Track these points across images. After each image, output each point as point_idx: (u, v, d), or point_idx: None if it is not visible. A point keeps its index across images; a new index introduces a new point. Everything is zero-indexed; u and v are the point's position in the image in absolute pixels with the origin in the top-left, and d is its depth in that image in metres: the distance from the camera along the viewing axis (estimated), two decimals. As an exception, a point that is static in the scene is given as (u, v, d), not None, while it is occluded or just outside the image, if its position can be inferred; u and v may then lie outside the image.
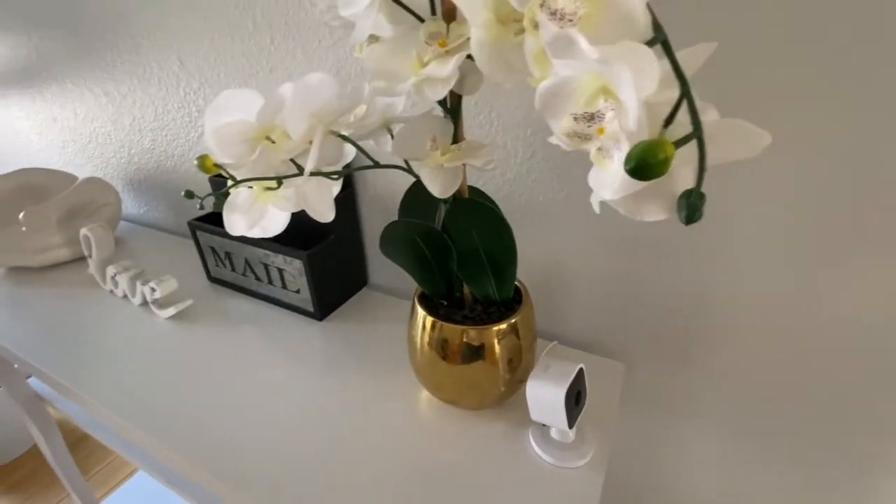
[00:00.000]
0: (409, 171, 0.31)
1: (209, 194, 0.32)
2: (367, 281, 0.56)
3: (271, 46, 0.48)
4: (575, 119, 0.18)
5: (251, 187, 0.31)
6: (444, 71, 0.23)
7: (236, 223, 0.31)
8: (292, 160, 0.29)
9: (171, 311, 0.49)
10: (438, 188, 0.28)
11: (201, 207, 0.32)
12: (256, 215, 0.32)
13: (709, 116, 0.16)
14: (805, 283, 0.34)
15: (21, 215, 0.58)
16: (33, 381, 0.72)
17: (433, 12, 0.26)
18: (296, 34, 0.46)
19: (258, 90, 0.28)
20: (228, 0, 0.48)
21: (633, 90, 0.14)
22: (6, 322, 0.52)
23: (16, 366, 0.67)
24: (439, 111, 0.29)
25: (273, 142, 0.29)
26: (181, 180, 0.66)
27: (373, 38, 0.37)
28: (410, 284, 0.52)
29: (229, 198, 0.31)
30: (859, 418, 0.37)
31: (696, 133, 0.16)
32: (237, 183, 0.30)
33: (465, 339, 0.34)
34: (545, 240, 0.42)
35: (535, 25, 0.18)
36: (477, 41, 0.21)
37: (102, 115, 0.69)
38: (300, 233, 0.43)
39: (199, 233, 0.54)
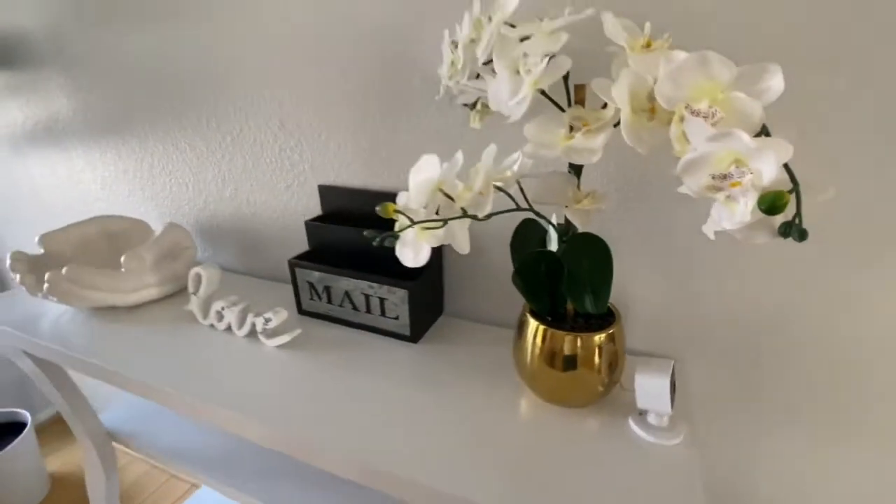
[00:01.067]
0: (536, 213, 0.41)
1: (386, 234, 0.40)
2: (444, 309, 0.64)
3: (377, 115, 0.58)
4: (712, 178, 0.28)
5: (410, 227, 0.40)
6: (596, 143, 0.33)
7: (406, 255, 0.40)
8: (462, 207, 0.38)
9: (284, 338, 0.55)
10: (579, 223, 0.37)
11: (379, 244, 0.40)
12: (416, 249, 0.40)
13: (828, 195, 0.27)
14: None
15: (123, 258, 0.64)
16: (105, 417, 0.74)
17: (569, 103, 0.37)
18: (400, 105, 0.56)
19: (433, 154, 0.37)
20: (340, 71, 0.58)
21: (774, 165, 0.24)
22: (114, 349, 0.56)
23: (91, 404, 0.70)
24: (564, 169, 0.39)
25: (446, 193, 0.38)
26: (261, 225, 0.73)
27: (484, 111, 0.47)
28: (482, 311, 0.61)
29: (401, 236, 0.39)
30: None
31: (796, 188, 0.27)
32: (411, 225, 0.38)
33: (577, 346, 0.42)
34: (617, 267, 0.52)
35: (681, 119, 0.29)
36: (625, 123, 0.32)
37: (183, 168, 0.76)
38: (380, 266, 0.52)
39: (298, 270, 0.61)
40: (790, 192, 0.26)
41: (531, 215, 0.42)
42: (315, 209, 0.68)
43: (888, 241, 0.41)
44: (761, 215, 0.27)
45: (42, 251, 0.69)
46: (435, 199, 0.38)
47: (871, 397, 0.47)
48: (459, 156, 0.38)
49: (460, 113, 0.53)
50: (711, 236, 0.32)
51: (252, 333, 0.58)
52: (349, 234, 0.60)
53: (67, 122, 0.84)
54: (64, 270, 0.60)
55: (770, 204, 0.26)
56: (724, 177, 0.28)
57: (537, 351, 0.45)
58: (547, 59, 0.33)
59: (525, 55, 0.34)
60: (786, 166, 0.27)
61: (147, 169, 0.80)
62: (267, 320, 0.55)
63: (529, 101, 0.35)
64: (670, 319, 0.52)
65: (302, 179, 0.66)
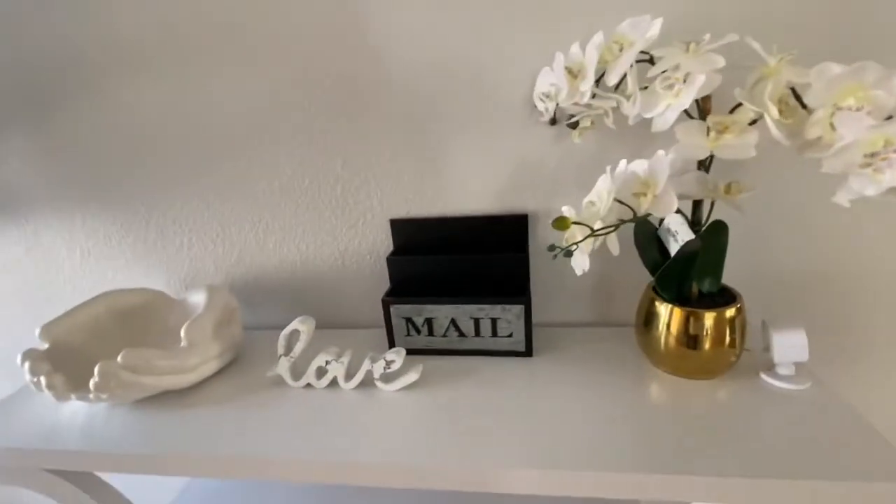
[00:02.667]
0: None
1: (562, 249, 0.42)
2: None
3: (447, 143, 0.59)
4: (866, 157, 0.36)
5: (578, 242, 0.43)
6: (750, 139, 0.40)
7: (581, 263, 0.42)
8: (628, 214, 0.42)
9: (411, 376, 0.53)
10: (736, 209, 0.43)
11: (559, 255, 0.42)
12: (583, 258, 0.43)
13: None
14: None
15: (183, 330, 0.55)
16: None
17: (702, 116, 0.43)
18: (468, 131, 0.58)
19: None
20: (410, 104, 0.58)
21: (936, 140, 0.33)
22: (200, 436, 0.48)
23: None
24: (694, 167, 0.46)
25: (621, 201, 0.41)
26: (314, 272, 0.68)
27: (582, 129, 0.53)
28: (567, 315, 0.64)
29: (579, 247, 0.42)
30: None
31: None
32: (593, 234, 0.41)
33: (715, 322, 0.48)
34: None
35: (834, 111, 0.37)
36: (775, 122, 0.39)
37: (210, 223, 0.68)
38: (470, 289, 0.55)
39: (392, 307, 0.59)
40: (928, 159, 0.35)
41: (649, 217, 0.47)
42: (380, 246, 0.66)
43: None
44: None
45: (46, 345, 0.57)
46: (612, 208, 0.41)
47: None
48: (623, 165, 0.42)
49: (533, 139, 0.57)
50: (846, 204, 0.40)
51: (363, 383, 0.54)
52: (439, 263, 0.60)
53: (22, 191, 0.70)
54: (120, 358, 0.50)
55: (925, 170, 0.34)
56: (874, 154, 0.36)
57: (673, 334, 0.50)
58: (703, 76, 0.39)
59: (685, 75, 0.39)
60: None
61: (155, 231, 0.70)
62: (389, 362, 0.52)
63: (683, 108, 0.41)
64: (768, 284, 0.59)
65: (369, 217, 0.64)
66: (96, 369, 0.50)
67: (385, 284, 0.67)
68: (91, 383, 0.50)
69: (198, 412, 0.54)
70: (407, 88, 0.57)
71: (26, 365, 0.52)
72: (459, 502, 0.66)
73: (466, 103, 0.57)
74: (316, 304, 0.70)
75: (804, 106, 0.40)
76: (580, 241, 0.42)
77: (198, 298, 0.64)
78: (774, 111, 0.39)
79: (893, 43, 0.49)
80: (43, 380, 0.51)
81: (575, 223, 0.42)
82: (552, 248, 0.42)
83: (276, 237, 0.68)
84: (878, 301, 0.59)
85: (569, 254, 0.42)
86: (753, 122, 0.41)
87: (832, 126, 0.37)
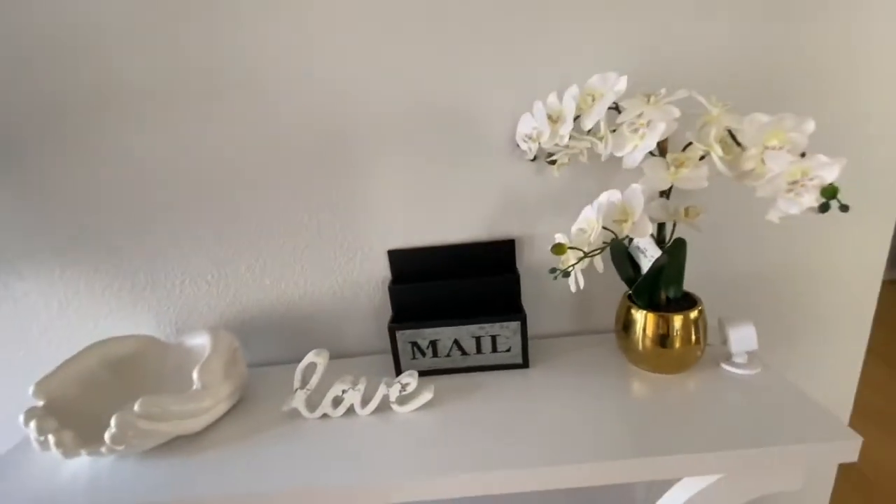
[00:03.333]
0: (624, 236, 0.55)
1: (561, 271, 0.49)
2: (519, 336, 0.72)
3: (430, 180, 0.65)
4: (789, 185, 0.46)
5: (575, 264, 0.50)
6: (702, 173, 0.49)
7: (574, 282, 0.49)
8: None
9: (426, 396, 0.57)
10: (695, 229, 0.52)
11: (558, 277, 0.49)
12: (577, 277, 0.50)
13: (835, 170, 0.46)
14: (781, 249, 0.69)
15: (196, 374, 0.55)
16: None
17: (662, 154, 0.52)
18: (461, 167, 0.65)
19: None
20: (407, 141, 0.64)
21: (836, 172, 0.43)
22: (222, 481, 0.49)
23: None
24: (657, 196, 0.55)
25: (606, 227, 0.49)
26: (313, 306, 0.71)
27: (560, 165, 0.60)
28: (552, 329, 0.71)
29: (574, 268, 0.49)
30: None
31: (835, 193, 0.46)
32: (586, 256, 0.48)
33: (683, 324, 0.57)
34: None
35: (763, 151, 0.47)
36: (719, 158, 0.48)
37: (204, 264, 0.69)
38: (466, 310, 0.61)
39: (398, 332, 0.63)
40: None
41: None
42: (378, 276, 0.70)
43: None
44: (814, 200, 0.46)
45: (42, 402, 0.55)
46: (599, 232, 0.49)
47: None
48: (607, 195, 0.50)
49: (516, 173, 0.65)
50: (777, 221, 0.50)
51: (378, 408, 0.57)
52: (438, 288, 0.65)
53: (-6, 243, 0.67)
54: (137, 406, 0.50)
55: (831, 193, 0.45)
56: (795, 182, 0.47)
57: (649, 336, 0.58)
58: (663, 123, 0.48)
59: (648, 122, 0.48)
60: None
61: (143, 276, 0.69)
62: (404, 385, 0.56)
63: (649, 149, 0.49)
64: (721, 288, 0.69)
65: (367, 249, 0.68)
66: (113, 421, 0.49)
67: (384, 312, 0.71)
68: (107, 435, 0.50)
69: (211, 454, 0.54)
70: (400, 131, 0.63)
71: (32, 424, 0.50)
72: None
73: (455, 143, 0.63)
74: (317, 337, 0.72)
75: (739, 145, 0.50)
76: (576, 264, 0.49)
77: (199, 341, 0.64)
78: (719, 149, 0.48)
79: (805, 95, 0.61)
80: (51, 438, 0.50)
81: (570, 248, 0.49)
82: (553, 270, 0.49)
83: (274, 275, 0.69)
84: (807, 296, 0.72)
85: (566, 274, 0.49)
86: (702, 158, 0.50)
87: (763, 161, 0.47)
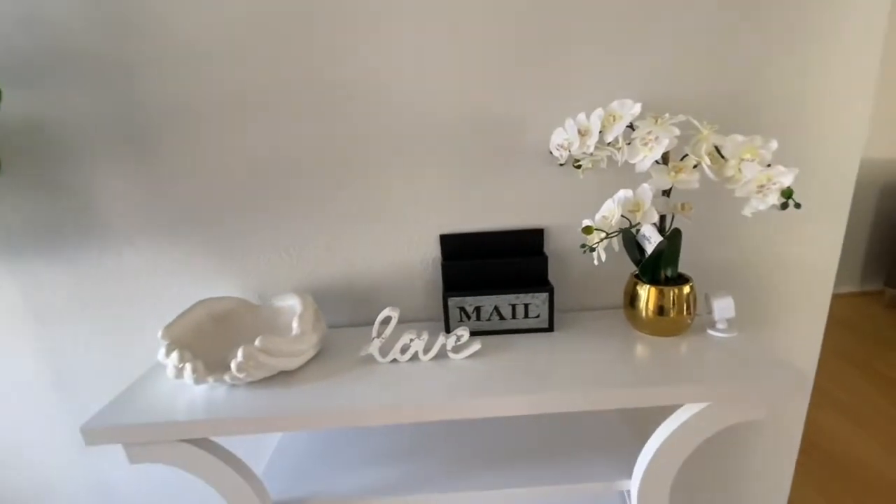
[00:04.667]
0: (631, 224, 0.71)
1: (589, 246, 0.64)
2: (543, 309, 0.87)
3: (476, 177, 0.81)
4: (758, 188, 0.63)
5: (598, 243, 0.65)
6: (695, 177, 0.65)
7: (597, 257, 0.65)
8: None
9: (475, 346, 0.72)
10: (688, 219, 0.68)
11: (586, 251, 0.64)
12: (600, 253, 0.66)
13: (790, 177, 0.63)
14: (756, 245, 0.86)
15: (295, 322, 0.70)
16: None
17: (664, 162, 0.68)
18: (503, 166, 0.80)
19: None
20: (461, 144, 0.80)
21: (790, 179, 0.60)
22: (312, 402, 0.64)
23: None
24: (660, 194, 0.71)
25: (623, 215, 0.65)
26: (376, 279, 0.86)
27: (585, 169, 0.76)
28: (571, 304, 0.87)
29: (598, 246, 0.64)
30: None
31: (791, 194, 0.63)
32: (608, 236, 0.64)
33: (679, 296, 0.72)
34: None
35: (740, 162, 0.63)
36: (707, 167, 0.65)
37: (288, 240, 0.84)
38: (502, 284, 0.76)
39: (450, 299, 0.78)
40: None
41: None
42: (430, 255, 0.85)
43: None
44: (776, 200, 0.63)
45: (167, 342, 0.69)
46: (618, 219, 0.64)
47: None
48: (623, 192, 0.66)
49: (545, 174, 0.81)
50: (749, 215, 0.66)
51: (436, 356, 0.72)
52: (482, 265, 0.80)
53: (117, 214, 0.81)
54: (258, 341, 0.65)
55: (788, 194, 0.61)
56: (762, 186, 0.63)
57: (650, 307, 0.74)
58: (666, 139, 0.64)
59: (655, 137, 0.64)
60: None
61: (239, 250, 0.84)
62: (458, 337, 0.71)
63: (655, 158, 0.65)
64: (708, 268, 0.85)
65: (422, 234, 0.83)
66: (240, 351, 0.64)
67: (433, 286, 0.86)
68: (233, 364, 0.64)
69: (306, 386, 0.68)
70: (454, 137, 0.79)
71: (174, 354, 0.64)
72: (523, 424, 0.84)
73: (499, 149, 0.80)
74: (377, 306, 0.86)
75: (723, 157, 0.66)
76: (599, 242, 0.64)
77: (288, 302, 0.78)
78: (707, 160, 0.65)
79: (775, 120, 0.78)
80: (188, 366, 0.64)
81: (596, 230, 0.64)
82: (583, 246, 0.65)
83: (346, 252, 0.84)
84: (775, 277, 0.88)
85: (592, 249, 0.65)
86: (695, 166, 0.67)
87: (740, 170, 0.64)
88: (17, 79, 0.74)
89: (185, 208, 0.81)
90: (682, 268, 0.76)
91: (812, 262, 0.87)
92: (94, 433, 0.62)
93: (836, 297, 2.57)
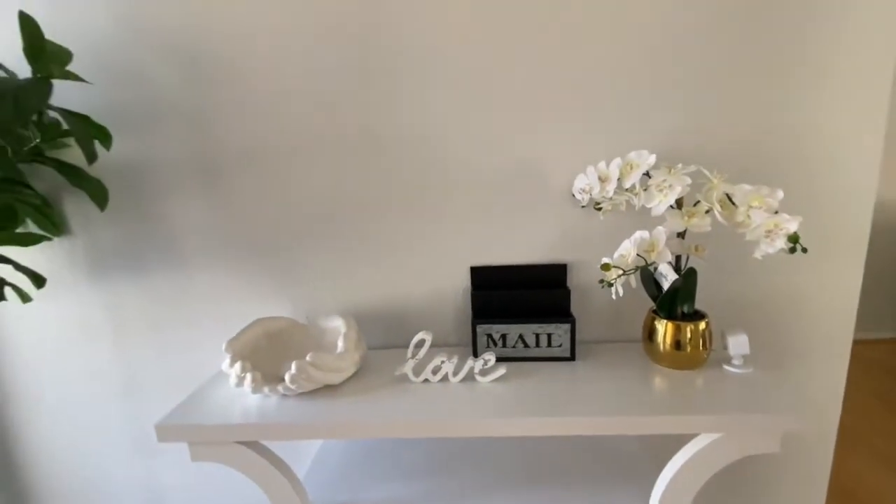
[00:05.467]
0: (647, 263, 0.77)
1: (607, 281, 0.71)
2: (565, 340, 0.93)
3: (505, 216, 0.89)
4: (766, 233, 0.68)
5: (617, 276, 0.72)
6: (707, 221, 0.71)
7: (615, 292, 0.71)
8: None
9: (500, 370, 0.78)
10: (701, 259, 0.74)
11: (602, 287, 0.71)
12: (617, 288, 0.72)
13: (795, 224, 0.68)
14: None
15: (340, 340, 0.78)
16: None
17: (679, 206, 0.75)
18: (529, 207, 0.88)
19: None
20: (495, 184, 0.88)
21: (796, 226, 0.65)
22: (361, 414, 0.71)
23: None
24: (675, 236, 0.77)
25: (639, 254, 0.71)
26: (411, 305, 0.94)
27: (605, 211, 0.83)
28: (592, 336, 0.92)
29: (616, 281, 0.71)
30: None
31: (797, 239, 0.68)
32: (625, 273, 0.70)
33: (695, 331, 0.77)
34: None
35: (749, 209, 0.69)
36: (718, 212, 0.71)
37: (335, 269, 0.94)
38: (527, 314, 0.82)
39: (479, 326, 0.85)
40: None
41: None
42: (459, 285, 0.93)
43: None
44: (784, 244, 0.68)
45: (230, 354, 0.79)
46: (634, 258, 0.71)
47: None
48: (640, 233, 0.72)
49: (569, 214, 0.88)
50: (759, 258, 0.71)
51: (464, 379, 0.79)
52: (509, 296, 0.87)
53: (185, 242, 0.94)
54: (309, 357, 0.73)
55: (794, 239, 0.66)
56: (770, 231, 0.68)
57: (668, 341, 0.79)
58: (679, 187, 0.71)
59: (669, 185, 0.71)
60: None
61: (291, 276, 0.94)
62: (486, 361, 0.78)
63: (669, 204, 0.72)
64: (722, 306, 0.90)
65: (453, 265, 0.92)
66: (293, 365, 0.72)
67: (463, 314, 0.94)
68: (287, 376, 0.72)
69: (348, 399, 0.76)
70: (487, 180, 0.88)
71: (237, 364, 0.74)
72: (545, 447, 0.88)
73: (527, 191, 0.88)
74: (404, 330, 0.94)
75: (733, 203, 0.72)
76: (617, 278, 0.71)
77: (334, 323, 0.87)
78: (718, 206, 0.71)
79: (778, 171, 0.84)
80: (249, 375, 0.73)
81: (614, 267, 0.71)
82: (601, 281, 0.71)
83: (386, 281, 0.93)
84: (794, 317, 0.91)
85: (610, 285, 0.71)
86: (707, 211, 0.73)
87: (749, 216, 0.69)
88: (121, 125, 0.89)
89: (249, 238, 0.93)
90: (702, 305, 0.81)
91: (831, 303, 0.90)
92: (166, 430, 0.72)
93: (878, 343, 2.49)
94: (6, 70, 0.70)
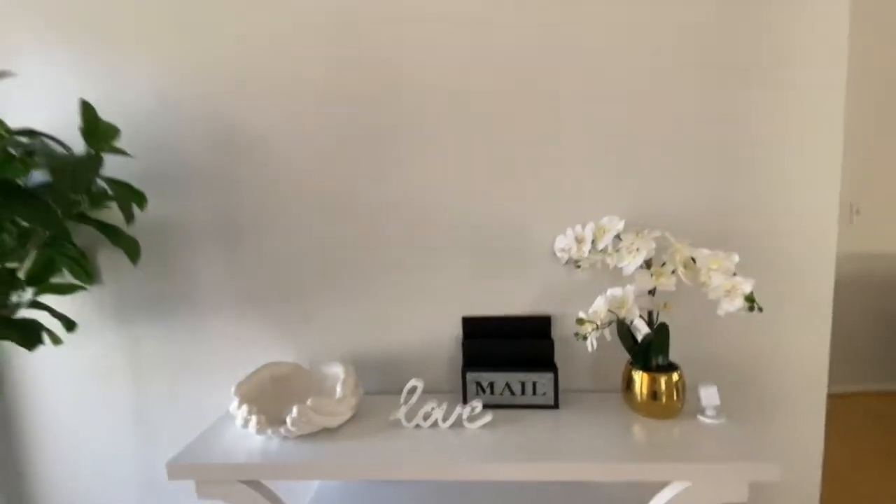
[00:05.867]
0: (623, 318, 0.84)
1: (582, 335, 0.77)
2: (551, 388, 0.98)
3: (493, 271, 0.97)
4: (726, 292, 0.75)
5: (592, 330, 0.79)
6: (672, 281, 0.79)
7: (589, 344, 0.78)
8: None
9: (487, 417, 0.84)
10: (668, 316, 0.81)
11: (577, 339, 0.77)
12: (592, 340, 0.79)
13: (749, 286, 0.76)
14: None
15: (339, 385, 0.85)
16: None
17: (648, 266, 0.83)
18: (517, 264, 0.97)
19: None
20: (486, 244, 0.97)
21: (750, 288, 0.72)
22: (357, 456, 0.76)
23: None
24: (646, 293, 0.84)
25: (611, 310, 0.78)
26: (405, 352, 1.01)
27: (583, 269, 0.91)
28: (574, 385, 0.98)
29: (590, 335, 0.77)
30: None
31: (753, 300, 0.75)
32: (598, 328, 0.78)
33: (670, 382, 0.83)
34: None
35: (709, 271, 0.76)
36: (682, 273, 0.78)
37: (336, 315, 1.02)
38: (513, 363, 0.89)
39: (469, 374, 0.91)
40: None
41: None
42: (451, 335, 1.00)
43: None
44: (742, 303, 0.75)
45: (238, 397, 0.86)
46: (605, 313, 0.78)
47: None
48: (612, 290, 0.80)
49: (553, 270, 0.96)
50: (722, 315, 0.78)
51: (453, 424, 0.84)
52: (497, 345, 0.94)
53: (205, 290, 1.03)
54: (310, 401, 0.80)
55: (750, 299, 0.73)
56: (728, 291, 0.75)
57: (644, 391, 0.84)
58: (645, 250, 0.79)
59: (637, 248, 0.79)
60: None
61: (296, 325, 1.02)
62: (474, 407, 0.84)
63: (637, 265, 0.80)
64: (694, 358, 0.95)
65: (447, 315, 0.99)
66: (295, 409, 0.79)
67: (456, 360, 1.00)
68: (289, 419, 0.79)
69: (344, 442, 0.82)
70: (476, 241, 0.97)
71: (244, 407, 0.80)
72: (529, 492, 0.92)
73: (513, 250, 0.97)
74: (407, 374, 1.00)
75: (695, 264, 0.80)
76: (591, 332, 0.78)
77: (334, 370, 0.94)
78: (682, 267, 0.78)
79: (742, 234, 0.92)
80: (254, 418, 0.80)
81: (587, 321, 0.78)
82: (577, 334, 0.78)
83: (386, 330, 1.01)
84: (760, 369, 0.96)
85: (584, 338, 0.78)
86: (673, 272, 0.80)
87: (709, 277, 0.77)
88: (154, 189, 1.00)
89: (260, 289, 1.02)
90: (680, 359, 0.87)
91: (801, 356, 0.95)
92: (176, 469, 0.78)
93: (882, 395, 2.44)
94: (63, 145, 0.82)
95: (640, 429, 0.82)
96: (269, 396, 0.90)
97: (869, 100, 2.19)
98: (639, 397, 0.85)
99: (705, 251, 0.77)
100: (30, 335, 0.76)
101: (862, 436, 2.15)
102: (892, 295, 2.37)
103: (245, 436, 0.85)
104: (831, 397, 0.99)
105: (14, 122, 0.83)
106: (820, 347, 0.95)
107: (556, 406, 0.90)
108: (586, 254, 0.86)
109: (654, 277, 0.80)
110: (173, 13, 0.96)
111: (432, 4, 0.92)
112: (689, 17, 0.90)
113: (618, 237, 0.83)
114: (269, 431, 0.81)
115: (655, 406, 0.84)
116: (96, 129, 0.80)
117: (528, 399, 0.91)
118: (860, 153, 2.23)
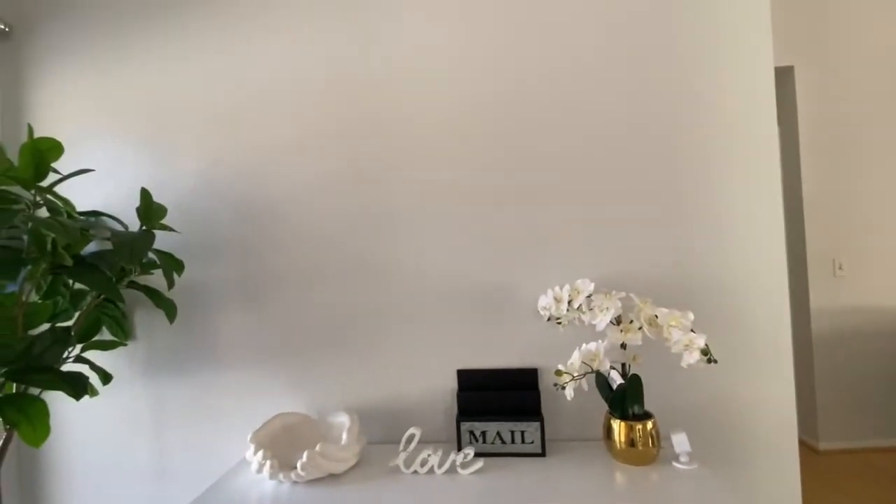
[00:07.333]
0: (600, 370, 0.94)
1: (560, 385, 0.87)
2: (541, 437, 1.06)
3: (482, 328, 1.09)
4: (684, 346, 0.86)
5: (569, 380, 0.89)
6: (639, 336, 0.90)
7: (568, 394, 0.87)
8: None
9: (478, 464, 0.91)
10: (637, 368, 0.91)
11: (556, 389, 0.87)
12: (570, 391, 0.89)
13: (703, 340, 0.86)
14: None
15: (345, 434, 0.94)
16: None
17: (618, 323, 0.94)
18: (502, 320, 1.08)
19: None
20: (471, 301, 1.10)
21: (703, 342, 0.83)
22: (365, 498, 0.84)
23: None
24: (619, 347, 0.95)
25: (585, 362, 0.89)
26: (404, 402, 1.10)
27: (563, 325, 1.03)
28: (562, 435, 1.05)
29: (567, 385, 0.87)
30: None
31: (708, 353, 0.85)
32: (574, 379, 0.88)
33: (646, 430, 0.91)
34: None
35: (669, 329, 0.88)
36: (647, 329, 0.90)
37: (340, 371, 1.12)
38: (502, 412, 0.98)
39: (463, 423, 1.00)
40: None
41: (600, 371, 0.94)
42: (446, 387, 1.10)
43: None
44: (699, 356, 0.85)
45: (254, 444, 0.95)
46: (579, 365, 0.88)
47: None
48: (587, 345, 0.91)
49: (538, 326, 1.08)
50: (685, 367, 0.88)
51: (447, 470, 0.92)
52: (489, 396, 1.03)
53: (224, 346, 1.15)
54: (318, 447, 0.89)
55: (705, 352, 0.84)
56: (687, 345, 0.86)
57: (622, 439, 0.92)
58: (613, 309, 0.91)
59: (606, 307, 0.91)
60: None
61: (306, 378, 1.13)
62: (466, 455, 0.92)
63: (607, 322, 0.91)
64: (667, 408, 1.04)
65: (442, 369, 1.10)
66: (305, 454, 0.88)
67: (452, 409, 1.09)
68: (299, 464, 0.88)
69: (348, 487, 0.90)
70: (465, 301, 1.09)
71: (260, 453, 0.90)
72: None
73: (500, 308, 1.09)
74: (397, 425, 1.09)
75: (658, 321, 0.91)
76: (568, 382, 0.88)
77: (340, 419, 1.04)
78: (646, 325, 0.90)
79: (699, 291, 1.04)
80: (268, 462, 0.89)
81: (565, 373, 0.88)
82: (556, 384, 0.88)
83: (384, 382, 1.11)
84: (730, 418, 1.04)
85: (563, 388, 0.88)
86: (640, 328, 0.92)
87: (670, 333, 0.88)
88: (189, 256, 1.16)
89: (273, 345, 1.14)
90: (656, 408, 0.95)
91: (767, 407, 1.03)
92: (196, 512, 0.86)
93: (889, 451, 2.40)
94: (122, 223, 0.99)
95: (621, 475, 0.90)
96: (281, 444, 0.99)
97: (850, 162, 2.37)
98: (618, 445, 0.92)
99: (664, 310, 0.89)
100: (77, 386, 0.88)
101: (857, 491, 2.10)
102: (879, 349, 2.39)
103: (257, 481, 0.93)
104: (829, 454, 1.05)
105: (76, 199, 1.00)
106: (786, 399, 1.03)
107: (543, 454, 0.98)
108: (564, 312, 0.98)
109: (623, 333, 0.91)
110: (216, 115, 1.17)
111: (420, 117, 1.12)
112: (653, 107, 1.08)
113: (589, 297, 0.96)
114: (281, 476, 0.89)
115: (633, 453, 0.91)
116: (150, 210, 0.97)
117: (518, 447, 0.99)
118: (843, 211, 2.38)
